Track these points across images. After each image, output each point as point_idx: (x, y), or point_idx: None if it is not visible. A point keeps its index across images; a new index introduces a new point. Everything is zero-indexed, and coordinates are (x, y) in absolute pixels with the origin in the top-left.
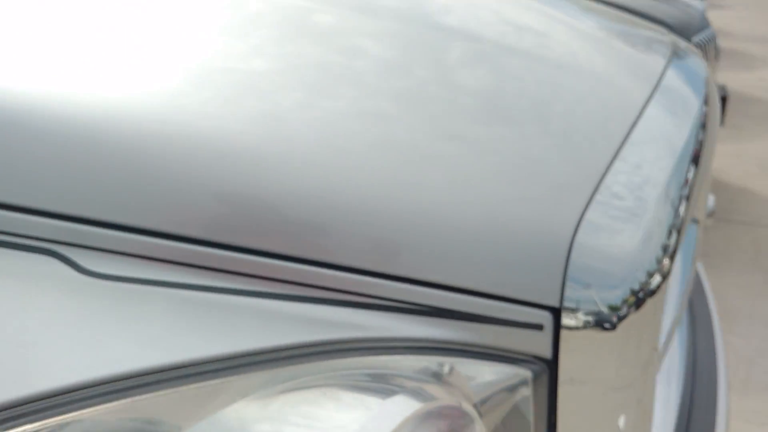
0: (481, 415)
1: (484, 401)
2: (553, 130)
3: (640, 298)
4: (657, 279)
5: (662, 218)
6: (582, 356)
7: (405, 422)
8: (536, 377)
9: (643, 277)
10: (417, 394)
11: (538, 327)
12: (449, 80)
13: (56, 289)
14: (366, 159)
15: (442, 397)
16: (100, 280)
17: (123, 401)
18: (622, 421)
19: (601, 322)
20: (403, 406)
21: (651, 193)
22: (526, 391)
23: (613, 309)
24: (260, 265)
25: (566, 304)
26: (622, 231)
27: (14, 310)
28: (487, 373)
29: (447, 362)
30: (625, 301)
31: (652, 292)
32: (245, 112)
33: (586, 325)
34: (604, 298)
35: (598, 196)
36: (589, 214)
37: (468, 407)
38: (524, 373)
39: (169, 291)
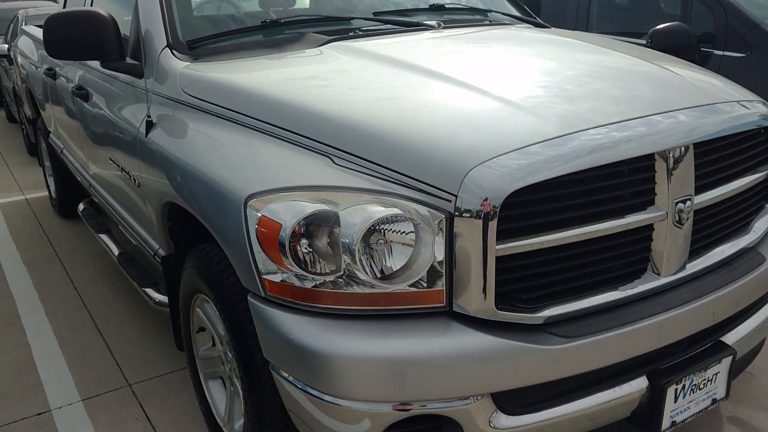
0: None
1: (427, 225)
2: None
3: (477, 213)
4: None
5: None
6: (461, 220)
7: (377, 218)
8: (446, 219)
9: (489, 211)
10: (378, 205)
11: (451, 198)
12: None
13: None
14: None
15: (394, 210)
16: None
17: None
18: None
19: (464, 216)
20: (373, 210)
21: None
22: (442, 223)
23: (471, 216)
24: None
25: (461, 193)
26: (499, 178)
27: None
28: (422, 215)
29: (402, 207)
30: (470, 212)
31: (485, 219)
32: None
33: (462, 214)
34: (470, 206)
35: (505, 156)
36: (502, 159)
37: (422, 216)
38: (441, 215)
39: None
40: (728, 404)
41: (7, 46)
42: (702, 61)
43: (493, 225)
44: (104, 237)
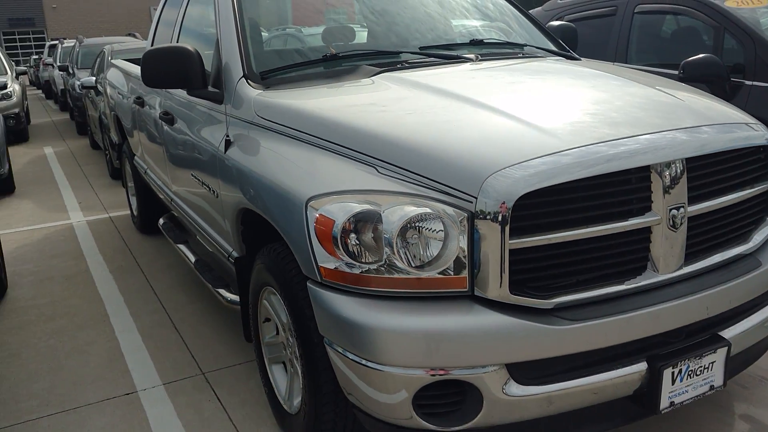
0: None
1: (453, 223)
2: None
3: (495, 216)
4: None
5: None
6: (480, 218)
7: (412, 216)
8: (468, 217)
9: (503, 212)
10: (413, 206)
11: (472, 200)
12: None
13: None
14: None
15: (425, 209)
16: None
17: None
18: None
19: (483, 216)
20: (409, 209)
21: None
22: (464, 220)
23: (486, 212)
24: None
25: (481, 197)
26: (511, 184)
27: None
28: (449, 214)
29: (432, 207)
30: (488, 212)
31: (500, 218)
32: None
33: (481, 214)
34: (488, 207)
35: (518, 165)
36: (514, 168)
37: (449, 215)
38: (464, 213)
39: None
40: (742, 404)
41: (94, 78)
42: (733, 90)
43: (506, 223)
44: (182, 247)
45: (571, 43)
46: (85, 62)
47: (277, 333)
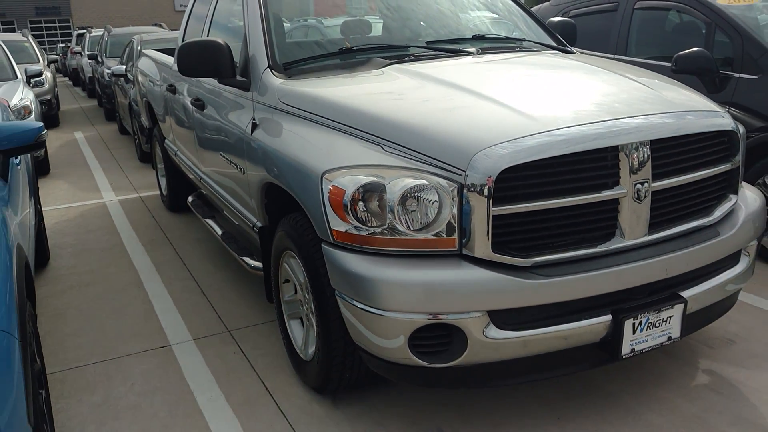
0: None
1: (445, 193)
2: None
3: (480, 188)
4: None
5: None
6: (468, 189)
7: (411, 186)
8: (458, 188)
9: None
10: (413, 178)
11: (461, 173)
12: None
13: None
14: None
15: (422, 181)
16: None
17: None
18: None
19: (470, 187)
20: (408, 181)
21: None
22: (455, 190)
23: (475, 187)
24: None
25: (469, 171)
26: (495, 160)
27: None
28: (442, 185)
29: (428, 179)
30: (474, 188)
31: (485, 189)
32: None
33: (467, 187)
34: (475, 180)
35: (500, 144)
36: (497, 146)
37: (442, 186)
38: (455, 184)
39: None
40: (707, 360)
41: (124, 66)
42: (722, 82)
43: (489, 193)
44: (209, 221)
45: (570, 38)
46: (114, 51)
47: (295, 292)
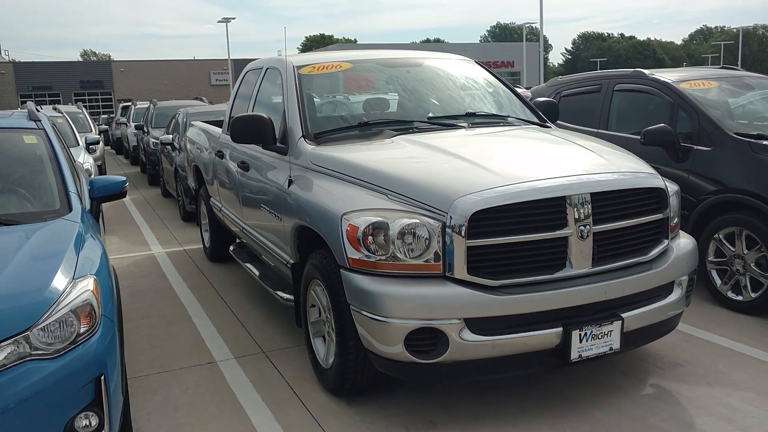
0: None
1: (433, 230)
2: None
3: (458, 226)
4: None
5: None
6: (449, 227)
7: (407, 225)
8: (442, 226)
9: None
10: (408, 218)
11: (444, 215)
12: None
13: None
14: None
15: (415, 220)
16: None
17: None
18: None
19: (450, 226)
20: (405, 221)
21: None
22: (440, 227)
23: (454, 226)
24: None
25: (450, 213)
26: (468, 205)
27: None
28: (430, 224)
29: (420, 220)
30: (454, 226)
31: (461, 227)
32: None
33: (448, 226)
34: (454, 220)
35: (473, 194)
36: (470, 195)
37: (430, 224)
38: (440, 223)
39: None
40: (655, 378)
41: (171, 136)
42: (684, 153)
43: (464, 230)
44: (248, 265)
45: (552, 115)
46: (158, 122)
47: (319, 315)
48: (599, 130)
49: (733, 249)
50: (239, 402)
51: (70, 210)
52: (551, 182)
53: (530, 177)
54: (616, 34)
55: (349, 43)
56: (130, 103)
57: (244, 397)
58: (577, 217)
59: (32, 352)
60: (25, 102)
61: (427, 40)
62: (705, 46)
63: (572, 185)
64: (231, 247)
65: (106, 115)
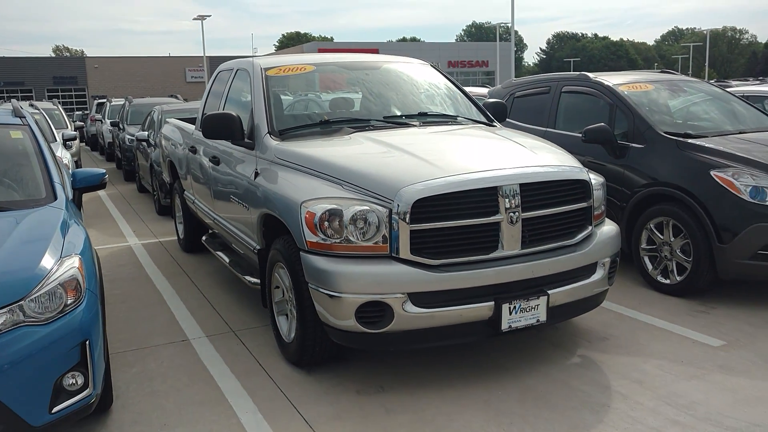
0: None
1: (381, 216)
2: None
3: (402, 212)
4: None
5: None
6: (394, 213)
7: (358, 211)
8: (389, 212)
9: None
10: (360, 206)
11: (391, 202)
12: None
13: None
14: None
15: (366, 207)
16: None
17: None
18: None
19: (397, 212)
20: (357, 208)
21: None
22: (386, 213)
23: (399, 212)
24: (358, 187)
25: (396, 201)
26: (411, 194)
27: None
28: (379, 210)
29: (370, 207)
30: (399, 213)
31: (405, 213)
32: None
33: (394, 212)
34: (399, 207)
35: (415, 184)
36: (413, 185)
37: (379, 211)
38: (387, 209)
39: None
40: (582, 349)
41: (146, 132)
42: (621, 150)
43: (408, 216)
44: (219, 253)
45: (500, 115)
46: (134, 119)
47: (283, 295)
48: (547, 129)
49: (662, 237)
50: (210, 373)
51: (55, 198)
52: (485, 174)
53: (467, 169)
54: (590, 35)
55: (326, 41)
56: (105, 100)
57: (215, 369)
58: (507, 205)
59: (25, 319)
60: None
61: (404, 39)
62: (676, 47)
63: (503, 177)
64: (203, 237)
65: (80, 112)
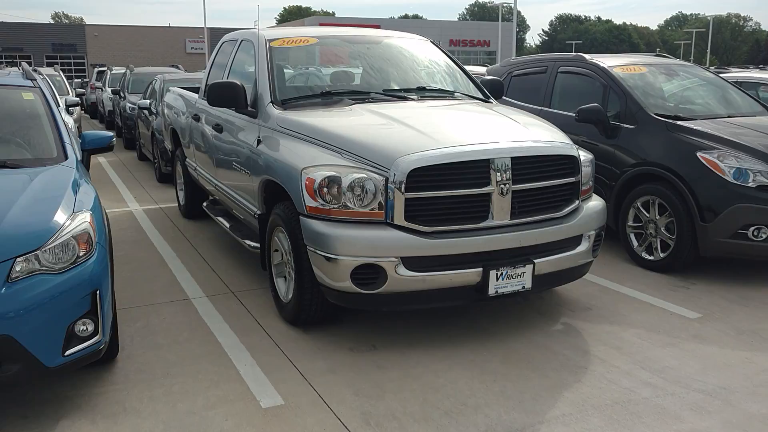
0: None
1: (377, 183)
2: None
3: (398, 181)
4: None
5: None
6: (391, 181)
7: (356, 178)
8: (385, 180)
9: (403, 179)
10: (358, 173)
11: (387, 171)
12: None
13: None
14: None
15: (364, 175)
16: None
17: None
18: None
19: (392, 181)
20: (355, 175)
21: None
22: (383, 181)
23: (395, 181)
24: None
25: (392, 170)
26: (407, 164)
27: None
28: (376, 179)
29: (367, 175)
30: (395, 181)
31: (400, 182)
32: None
33: (390, 180)
34: (395, 176)
35: (411, 154)
36: (409, 156)
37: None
38: (383, 177)
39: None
40: (565, 317)
41: (148, 101)
42: (613, 130)
43: (403, 184)
44: (220, 218)
45: (497, 92)
46: (135, 88)
47: (282, 258)
48: (543, 108)
49: (648, 215)
50: (210, 329)
51: (66, 158)
52: (478, 147)
53: (461, 142)
54: (593, 17)
55: (327, 16)
56: (105, 68)
57: (214, 326)
58: (498, 178)
59: (41, 268)
60: None
61: (406, 16)
62: (679, 33)
63: (495, 150)
64: (204, 204)
65: (80, 80)
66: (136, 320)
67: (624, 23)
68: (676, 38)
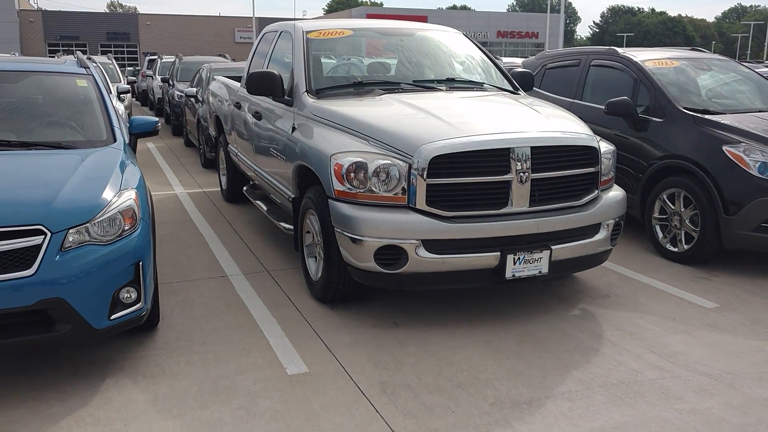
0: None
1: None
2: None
3: (420, 167)
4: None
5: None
6: (414, 168)
7: (381, 165)
8: (408, 166)
9: (425, 166)
10: (383, 160)
11: (411, 158)
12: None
13: None
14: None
15: (388, 162)
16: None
17: None
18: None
19: (415, 167)
20: (380, 161)
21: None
22: (407, 168)
23: (418, 167)
24: (382, 143)
25: (415, 157)
26: (429, 151)
27: None
28: (400, 165)
29: (392, 161)
30: (418, 168)
31: (423, 168)
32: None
33: (413, 167)
34: (418, 163)
35: (433, 142)
36: (431, 143)
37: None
38: (407, 164)
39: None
40: (584, 304)
41: (195, 89)
42: (642, 123)
43: (425, 171)
44: (258, 202)
45: (526, 85)
46: (183, 76)
47: (312, 239)
48: (575, 101)
49: (673, 207)
50: (244, 303)
51: (115, 140)
52: (498, 136)
53: (482, 131)
54: (647, 9)
55: (375, 6)
56: (156, 57)
57: (249, 301)
58: (518, 167)
59: (90, 239)
60: (53, 51)
61: (454, 7)
62: (737, 25)
63: (515, 140)
64: (245, 188)
65: (132, 68)
66: (177, 294)
67: (679, 15)
68: (734, 30)
